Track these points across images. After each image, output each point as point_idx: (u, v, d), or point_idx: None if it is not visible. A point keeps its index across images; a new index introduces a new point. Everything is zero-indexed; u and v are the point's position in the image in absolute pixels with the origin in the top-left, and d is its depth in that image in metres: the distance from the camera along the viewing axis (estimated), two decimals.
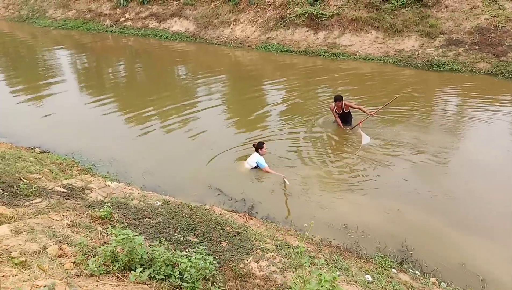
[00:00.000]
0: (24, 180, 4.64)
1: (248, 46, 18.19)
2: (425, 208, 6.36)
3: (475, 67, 13.62)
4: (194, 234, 3.95)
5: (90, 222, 3.67)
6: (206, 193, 6.70)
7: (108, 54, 19.13)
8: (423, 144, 8.56)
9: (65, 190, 4.55)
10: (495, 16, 14.64)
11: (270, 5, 19.03)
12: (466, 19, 15.12)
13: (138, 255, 2.73)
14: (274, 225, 5.36)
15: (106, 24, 22.95)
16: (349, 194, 6.75)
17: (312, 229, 5.50)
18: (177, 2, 21.74)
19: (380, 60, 15.14)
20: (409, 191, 6.88)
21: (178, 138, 9.26)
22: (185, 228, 4.02)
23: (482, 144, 8.68)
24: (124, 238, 2.71)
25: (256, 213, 5.98)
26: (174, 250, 3.11)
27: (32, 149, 8.86)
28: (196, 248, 3.08)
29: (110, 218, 3.80)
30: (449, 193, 6.73)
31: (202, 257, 2.85)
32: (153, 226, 3.92)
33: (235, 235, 4.19)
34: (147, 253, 2.81)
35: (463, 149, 8.53)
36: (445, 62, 14.04)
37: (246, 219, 5.29)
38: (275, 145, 8.63)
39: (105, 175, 7.36)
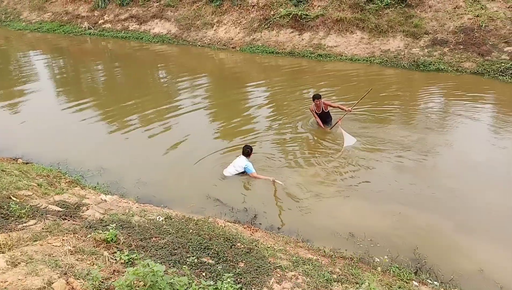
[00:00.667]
0: (14, 199, 4.26)
1: (233, 47, 17.90)
2: (429, 210, 6.23)
3: (460, 66, 13.70)
4: (208, 254, 3.66)
5: (94, 247, 3.34)
6: (203, 202, 6.43)
7: (87, 58, 18.53)
8: (413, 143, 8.54)
9: (60, 208, 4.19)
10: (478, 16, 14.77)
11: (253, 6, 18.78)
12: (449, 19, 15.21)
13: (161, 289, 2.43)
14: (282, 237, 5.12)
15: (84, 26, 22.27)
16: (349, 199, 6.59)
17: (320, 239, 5.31)
18: (158, 4, 21.26)
19: (366, 60, 15.09)
20: (409, 193, 6.78)
21: (164, 143, 8.88)
22: (196, 248, 3.73)
23: (476, 143, 8.67)
24: (145, 271, 2.40)
25: (260, 224, 5.73)
26: (197, 277, 2.83)
27: (14, 160, 8.38)
28: (223, 277, 2.80)
29: (115, 241, 3.47)
30: (450, 193, 6.63)
31: (232, 287, 2.58)
32: (162, 247, 3.61)
33: (247, 252, 3.93)
34: (169, 284, 2.51)
35: (458, 148, 8.46)
36: (431, 62, 14.08)
37: (252, 231, 5.03)
38: (261, 149, 8.51)
39: (96, 187, 7.00)
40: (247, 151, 7.47)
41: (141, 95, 12.41)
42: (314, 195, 6.63)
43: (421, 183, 7.06)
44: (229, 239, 4.12)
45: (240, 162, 7.37)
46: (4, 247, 3.06)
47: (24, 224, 3.57)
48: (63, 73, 16.60)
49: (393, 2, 15.93)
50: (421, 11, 15.74)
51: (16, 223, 3.60)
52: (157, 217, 4.46)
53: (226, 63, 16.91)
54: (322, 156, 8.17)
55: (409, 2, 15.86)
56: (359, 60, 15.21)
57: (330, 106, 9.45)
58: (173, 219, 4.54)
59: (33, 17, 24.93)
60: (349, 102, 9.84)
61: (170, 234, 3.91)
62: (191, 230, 4.13)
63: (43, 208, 4.02)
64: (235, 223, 5.61)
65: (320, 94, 9.49)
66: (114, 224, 3.69)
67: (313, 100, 9.33)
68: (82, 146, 8.97)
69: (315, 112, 9.47)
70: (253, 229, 5.18)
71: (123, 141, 9.13)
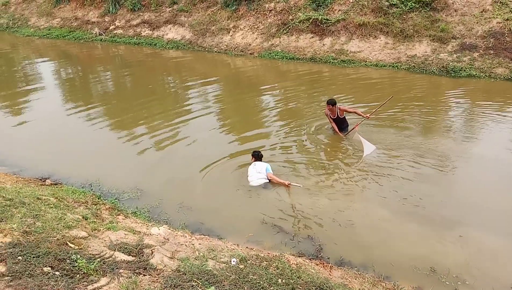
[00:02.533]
0: (72, 245, 3.76)
1: (250, 53, 17.43)
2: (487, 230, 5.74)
3: (493, 72, 13.24)
4: None
5: None
6: (259, 229, 5.91)
7: (98, 64, 17.98)
8: (451, 152, 8.22)
9: (126, 256, 3.69)
10: (507, 19, 14.30)
11: (271, 10, 18.33)
12: (477, 23, 14.75)
13: None
14: (363, 276, 4.62)
15: (94, 32, 21.79)
16: (408, 223, 6.05)
17: (399, 275, 4.83)
18: (171, 9, 20.80)
19: (393, 66, 14.62)
20: (467, 212, 6.27)
21: (201, 161, 8.21)
22: None
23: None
24: None
25: (328, 258, 5.22)
26: None
27: (41, 180, 7.87)
28: None
29: None
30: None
31: None
32: None
33: None
34: None
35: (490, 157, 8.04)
36: (461, 67, 13.61)
37: (329, 271, 4.54)
38: (274, 156, 8.29)
39: (136, 212, 6.50)
40: (260, 156, 7.65)
41: (165, 107, 11.90)
42: (364, 215, 6.19)
43: (476, 198, 6.60)
44: (321, 288, 3.63)
45: (261, 166, 7.38)
46: None
47: (95, 285, 3.06)
48: (73, 81, 16.00)
49: (418, 6, 15.48)
50: (447, 15, 15.28)
51: (85, 283, 3.09)
52: (232, 260, 3.97)
53: (243, 69, 16.37)
54: (346, 166, 7.79)
55: (434, 6, 15.41)
56: (384, 66, 14.74)
57: (346, 111, 9.11)
58: (248, 261, 4.05)
59: (42, 23, 24.46)
60: (373, 110, 9.37)
61: (260, 287, 3.41)
62: (276, 279, 3.63)
63: (109, 257, 3.52)
64: (300, 256, 5.12)
65: (334, 100, 9.01)
66: (197, 279, 3.19)
67: (327, 104, 8.97)
68: (107, 162, 8.45)
69: (330, 116, 9.14)
70: (326, 266, 4.70)
71: (154, 157, 8.56)
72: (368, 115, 8.78)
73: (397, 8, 15.66)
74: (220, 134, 9.70)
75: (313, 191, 6.91)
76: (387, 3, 15.83)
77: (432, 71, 13.85)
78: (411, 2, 15.43)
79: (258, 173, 7.28)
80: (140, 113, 11.24)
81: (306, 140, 9.13)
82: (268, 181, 7.23)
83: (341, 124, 9.21)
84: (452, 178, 7.44)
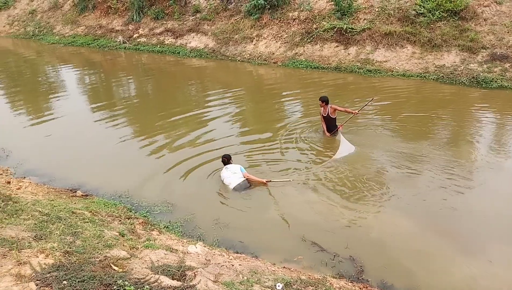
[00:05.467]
0: (116, 268, 3.67)
1: (274, 62, 17.34)
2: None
3: None
4: None
5: None
6: (299, 247, 5.74)
7: (121, 72, 18.08)
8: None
9: (170, 280, 3.57)
10: None
11: (294, 19, 18.24)
12: (508, 32, 14.40)
13: None
14: None
15: (118, 40, 22.03)
16: (449, 244, 5.84)
17: None
18: (194, 17, 20.89)
19: (420, 76, 14.34)
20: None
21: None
22: None
23: None
24: None
25: (368, 280, 5.03)
26: None
27: (72, 191, 7.85)
28: None
29: None
30: None
31: None
32: None
33: None
34: None
35: None
36: (492, 78, 13.26)
37: None
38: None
39: (168, 227, 6.42)
40: (229, 158, 7.81)
41: (191, 118, 11.83)
42: (399, 233, 6.02)
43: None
44: None
45: (234, 167, 7.58)
46: None
47: None
48: (98, 89, 16.11)
49: (446, 15, 15.18)
50: (476, 24, 14.96)
51: None
52: (277, 285, 3.83)
53: (266, 78, 16.26)
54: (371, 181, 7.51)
55: (463, 15, 15.10)
56: (412, 76, 14.47)
57: (337, 110, 9.28)
58: (293, 286, 3.91)
59: (67, 30, 24.86)
60: (397, 117, 9.25)
61: None
62: None
63: (154, 282, 3.41)
64: (340, 277, 4.95)
65: (327, 97, 9.24)
66: None
67: (319, 100, 9.27)
68: (137, 174, 8.34)
69: (322, 114, 9.41)
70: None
71: (183, 169, 8.45)
72: (356, 111, 9.01)
73: (425, 17, 15.39)
74: (252, 151, 9.35)
75: (350, 207, 6.73)
76: (414, 12, 15.58)
77: (462, 81, 13.53)
78: (439, 11, 15.14)
79: (234, 173, 7.48)
80: (166, 123, 11.19)
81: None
82: (246, 179, 7.42)
83: (330, 123, 9.39)
84: (479, 192, 7.22)
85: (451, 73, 14.00)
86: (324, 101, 9.18)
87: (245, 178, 7.44)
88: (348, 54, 16.20)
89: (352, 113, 9.02)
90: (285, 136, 9.77)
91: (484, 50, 14.25)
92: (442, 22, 15.22)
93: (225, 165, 7.76)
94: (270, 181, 7.40)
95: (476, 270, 5.25)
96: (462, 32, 14.85)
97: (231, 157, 7.89)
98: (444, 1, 15.06)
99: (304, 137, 9.67)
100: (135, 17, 22.31)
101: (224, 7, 20.32)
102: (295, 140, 9.54)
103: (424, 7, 15.43)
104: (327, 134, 9.44)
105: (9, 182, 7.42)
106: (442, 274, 5.18)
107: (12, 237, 4.15)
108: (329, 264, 5.33)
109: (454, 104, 12.11)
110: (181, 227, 6.44)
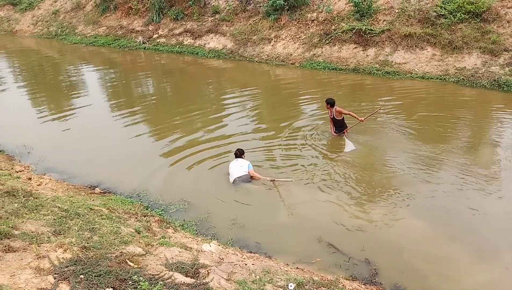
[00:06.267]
0: (131, 264, 3.74)
1: (292, 63, 17.33)
2: None
3: None
4: None
5: None
6: (314, 247, 5.74)
7: (141, 72, 18.32)
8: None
9: (183, 277, 3.63)
10: None
11: (313, 20, 18.20)
12: None
13: None
14: None
15: (138, 41, 22.33)
16: (467, 252, 5.75)
17: None
18: (213, 18, 21.03)
19: (440, 79, 14.14)
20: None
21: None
22: None
23: None
24: None
25: (381, 283, 5.00)
26: None
27: (90, 188, 8.02)
28: None
29: None
30: None
31: None
32: None
33: None
34: None
35: None
36: None
37: None
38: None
39: (183, 225, 6.49)
40: (242, 152, 8.10)
41: (208, 119, 11.92)
42: (415, 237, 5.96)
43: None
44: None
45: (243, 162, 7.84)
46: None
47: None
48: (119, 88, 16.33)
49: (467, 17, 14.93)
50: (498, 26, 14.66)
51: None
52: (289, 285, 3.85)
53: (283, 79, 16.25)
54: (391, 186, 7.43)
55: (485, 17, 14.82)
56: (431, 78, 14.28)
57: (342, 112, 9.43)
58: (305, 287, 3.92)
59: (88, 31, 25.32)
60: (414, 121, 9.13)
61: None
62: None
63: (168, 279, 3.47)
64: (353, 280, 4.93)
65: (333, 100, 9.42)
66: None
67: (325, 103, 9.51)
68: (154, 173, 8.47)
69: (329, 116, 9.69)
70: None
71: (201, 169, 8.54)
72: (362, 118, 9.18)
73: (446, 18, 15.17)
74: (267, 151, 9.40)
75: (366, 209, 6.70)
76: (435, 14, 15.38)
77: (483, 84, 13.29)
78: (460, 12, 14.91)
79: (240, 167, 7.77)
80: (185, 123, 11.30)
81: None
82: (248, 174, 7.68)
83: (337, 124, 9.60)
84: (498, 196, 7.08)
85: (471, 76, 13.77)
86: (329, 103, 9.38)
87: (248, 174, 7.67)
88: (367, 55, 16.09)
89: (358, 120, 9.20)
90: (292, 135, 10.00)
91: (507, 53, 13.96)
92: (464, 24, 14.98)
93: (236, 157, 8.05)
94: (274, 180, 7.58)
95: (492, 276, 5.17)
96: (483, 34, 14.58)
97: (244, 152, 8.15)
98: (465, 3, 14.83)
99: (314, 136, 9.89)
100: (155, 17, 22.59)
101: (243, 8, 20.41)
102: (304, 137, 9.80)
103: (445, 8, 15.23)
104: (334, 134, 9.70)
105: (30, 179, 7.61)
106: (456, 280, 5.12)
107: (32, 232, 4.28)
108: (343, 266, 5.31)
109: (474, 107, 11.92)
110: (196, 225, 6.50)
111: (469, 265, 5.44)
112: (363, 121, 9.22)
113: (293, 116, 11.40)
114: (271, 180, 7.59)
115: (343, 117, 9.51)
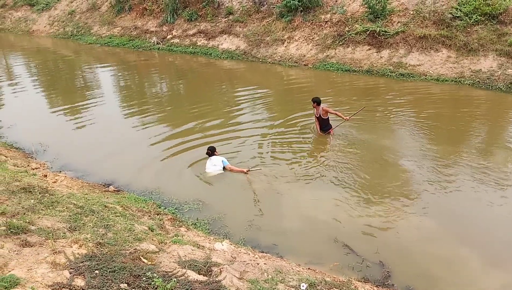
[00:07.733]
0: (145, 261, 3.79)
1: (304, 65, 17.31)
2: None
3: None
4: None
5: None
6: (329, 247, 5.73)
7: (154, 72, 18.49)
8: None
9: (196, 275, 3.67)
10: None
11: (327, 22, 18.16)
12: None
13: None
14: None
15: (152, 41, 22.51)
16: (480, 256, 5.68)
17: None
18: (226, 19, 21.11)
19: (455, 81, 14.00)
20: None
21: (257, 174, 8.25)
22: None
23: None
24: None
25: (394, 285, 4.97)
26: None
27: (105, 186, 8.11)
28: None
29: None
30: None
31: None
32: None
33: None
34: None
35: None
36: None
37: None
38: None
39: (196, 224, 6.53)
40: (213, 151, 8.42)
41: (222, 120, 11.96)
42: (430, 240, 5.91)
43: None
44: None
45: (216, 159, 8.27)
46: None
47: None
48: (133, 89, 16.48)
49: (483, 19, 14.76)
50: None
51: None
52: (301, 285, 3.85)
53: (296, 79, 16.20)
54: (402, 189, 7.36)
55: (502, 19, 14.63)
56: (446, 80, 14.15)
57: (329, 112, 9.59)
58: (317, 287, 3.92)
59: (103, 31, 25.59)
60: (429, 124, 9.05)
61: None
62: None
63: (181, 276, 3.51)
64: (366, 281, 4.92)
65: (319, 98, 9.58)
66: None
67: (312, 102, 9.63)
68: (168, 172, 8.54)
69: (315, 115, 9.82)
70: None
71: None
72: (347, 117, 9.46)
73: (461, 20, 15.02)
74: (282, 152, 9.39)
75: (380, 211, 6.66)
76: (450, 16, 15.23)
77: (499, 87, 13.14)
78: (476, 14, 14.75)
79: (213, 165, 8.22)
80: (199, 122, 11.32)
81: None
82: (223, 170, 8.19)
83: (323, 123, 9.74)
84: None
85: (487, 78, 13.62)
86: (316, 102, 9.55)
87: (222, 171, 8.17)
88: (381, 57, 15.99)
89: (343, 118, 9.48)
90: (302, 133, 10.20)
91: None
92: (480, 26, 14.81)
93: (209, 156, 8.39)
94: (249, 170, 8.07)
95: (505, 281, 5.11)
96: (500, 37, 14.40)
97: (215, 149, 8.48)
98: (482, 5, 14.66)
99: (303, 135, 10.15)
100: (169, 18, 22.75)
101: (256, 9, 20.45)
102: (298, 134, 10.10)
103: (460, 10, 15.08)
104: (320, 132, 9.85)
105: (46, 176, 7.73)
106: (469, 285, 5.07)
107: (48, 227, 4.35)
108: (355, 268, 5.30)
109: (490, 109, 11.81)
110: (209, 224, 6.55)
111: (482, 269, 5.38)
112: (348, 120, 9.49)
113: (304, 116, 11.26)
114: (246, 171, 8.06)
115: (328, 117, 9.69)
